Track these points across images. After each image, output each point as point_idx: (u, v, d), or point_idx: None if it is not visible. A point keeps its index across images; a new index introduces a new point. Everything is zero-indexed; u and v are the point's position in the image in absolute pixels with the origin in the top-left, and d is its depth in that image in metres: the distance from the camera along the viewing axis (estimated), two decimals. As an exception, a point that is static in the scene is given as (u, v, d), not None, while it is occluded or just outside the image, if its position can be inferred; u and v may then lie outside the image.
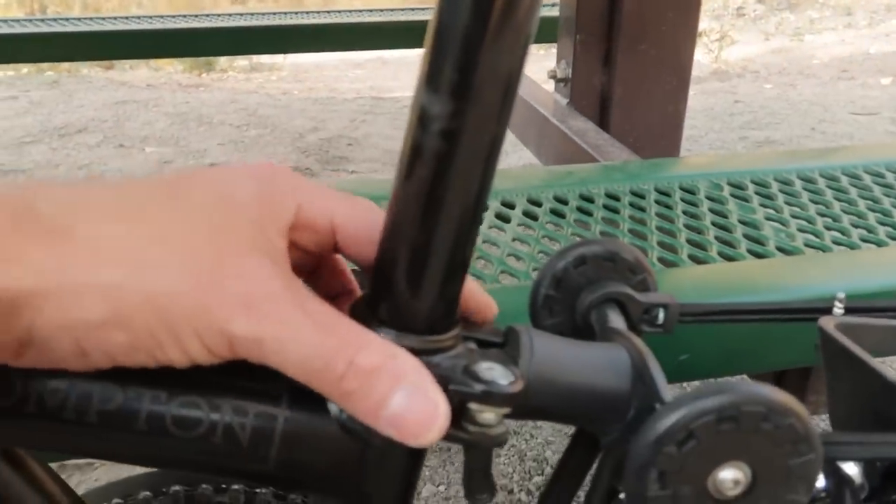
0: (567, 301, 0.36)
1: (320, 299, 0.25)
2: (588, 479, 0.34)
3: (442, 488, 1.07)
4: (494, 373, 0.26)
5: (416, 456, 0.29)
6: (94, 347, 0.23)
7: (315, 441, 0.28)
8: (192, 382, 0.27)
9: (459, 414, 0.26)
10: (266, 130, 2.66)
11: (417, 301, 0.27)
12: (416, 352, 0.27)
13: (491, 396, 0.25)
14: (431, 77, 0.24)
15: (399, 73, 3.72)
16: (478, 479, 0.29)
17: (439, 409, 0.24)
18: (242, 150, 2.46)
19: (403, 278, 0.27)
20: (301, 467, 0.28)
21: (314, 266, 0.31)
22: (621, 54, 1.12)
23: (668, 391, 0.28)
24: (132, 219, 0.23)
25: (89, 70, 3.54)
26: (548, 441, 1.14)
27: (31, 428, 0.26)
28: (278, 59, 3.97)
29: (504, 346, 0.30)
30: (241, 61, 3.98)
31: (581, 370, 0.29)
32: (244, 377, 0.28)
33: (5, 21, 1.80)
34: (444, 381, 0.26)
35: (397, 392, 0.24)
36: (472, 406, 0.26)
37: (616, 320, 0.34)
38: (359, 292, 0.32)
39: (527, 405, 0.28)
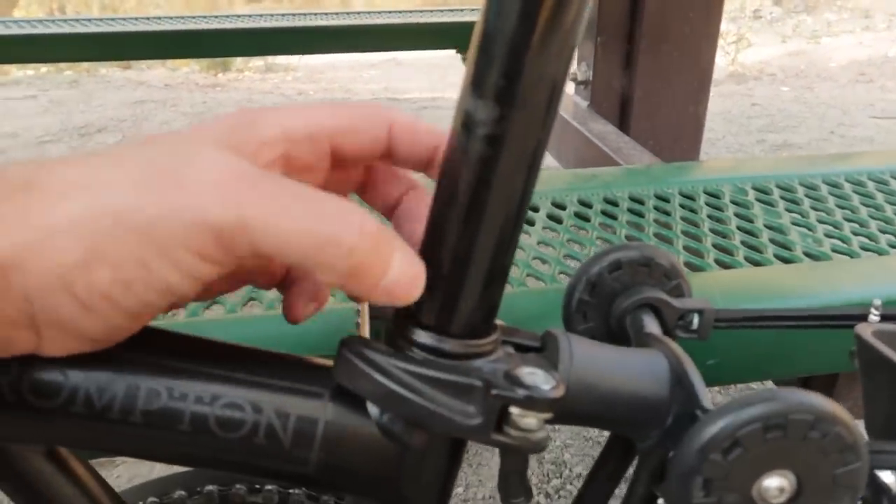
0: (601, 306, 0.36)
1: (299, 181, 0.24)
2: (622, 483, 0.34)
3: (461, 490, 1.07)
4: (536, 378, 0.26)
5: (454, 458, 0.29)
6: (87, 294, 0.21)
7: (355, 443, 0.28)
8: (235, 383, 0.27)
9: (501, 418, 0.26)
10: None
11: (458, 305, 0.27)
12: (457, 356, 0.27)
13: (534, 401, 0.25)
14: (477, 82, 0.25)
15: (414, 74, 3.73)
16: (514, 483, 0.29)
17: (422, 269, 0.25)
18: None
19: (444, 282, 0.27)
20: (340, 469, 0.28)
21: (355, 181, 0.30)
22: (642, 56, 1.12)
23: (708, 398, 0.28)
24: (94, 159, 0.23)
25: (108, 70, 3.56)
26: (566, 444, 1.14)
27: (78, 428, 0.26)
28: (293, 59, 3.98)
29: (542, 350, 0.30)
30: (257, 62, 4.00)
31: (620, 375, 0.29)
32: (286, 378, 0.28)
33: (26, 21, 1.82)
34: (486, 385, 0.26)
35: (395, 256, 0.24)
36: (514, 411, 0.26)
37: (651, 326, 0.34)
38: (419, 186, 0.31)
39: (566, 410, 0.28)
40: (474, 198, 0.26)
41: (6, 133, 2.61)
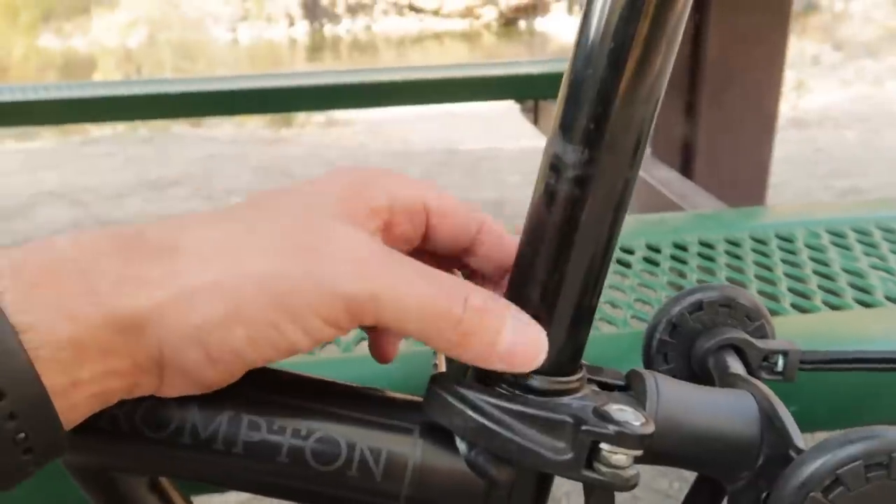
0: (682, 347, 0.36)
1: (414, 259, 0.26)
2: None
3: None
4: (626, 414, 0.26)
5: (541, 495, 0.30)
6: (218, 349, 0.23)
7: (443, 478, 0.28)
8: (331, 417, 0.28)
9: (591, 455, 0.26)
10: (344, 182, 2.73)
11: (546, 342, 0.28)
12: (545, 392, 0.28)
13: (624, 438, 0.25)
14: (566, 126, 0.26)
15: (469, 126, 3.79)
16: (600, 523, 0.29)
17: (542, 335, 0.26)
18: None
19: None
20: (430, 503, 0.28)
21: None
22: (705, 104, 1.12)
23: (801, 438, 0.27)
24: (227, 223, 0.25)
25: (180, 128, 3.74)
26: (636, 496, 1.11)
27: (184, 458, 0.28)
28: (352, 114, 4.11)
29: (627, 389, 0.30)
30: (318, 117, 4.14)
31: (708, 415, 0.29)
32: (378, 413, 0.29)
33: (104, 83, 1.93)
34: (576, 421, 0.26)
35: (506, 326, 0.25)
36: (604, 447, 0.26)
37: (735, 367, 0.34)
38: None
39: (654, 449, 0.28)
40: (563, 238, 0.26)
41: (88, 187, 2.75)
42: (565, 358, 0.28)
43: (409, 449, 0.28)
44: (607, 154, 0.25)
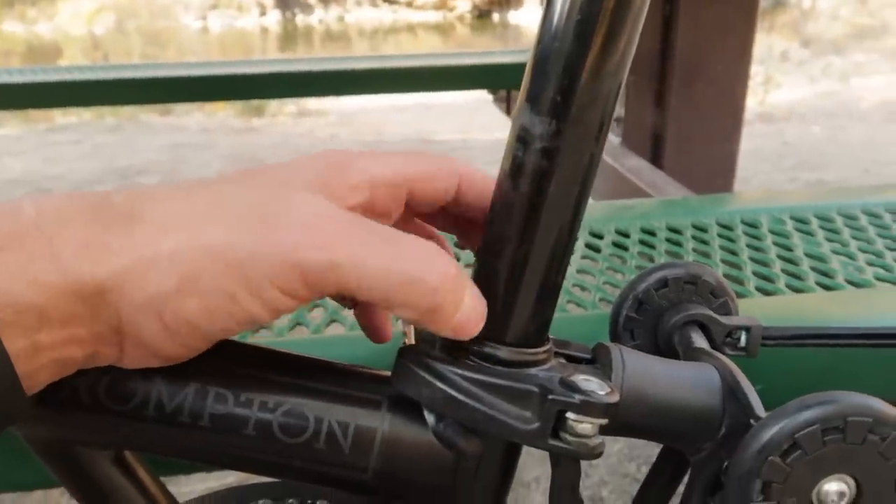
0: (648, 323, 0.37)
1: (383, 224, 0.25)
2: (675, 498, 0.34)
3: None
4: (592, 384, 0.27)
5: (508, 466, 0.30)
6: (173, 320, 0.23)
7: (412, 451, 0.28)
8: (298, 391, 0.28)
9: (558, 424, 0.26)
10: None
11: (513, 314, 0.28)
12: (512, 363, 0.28)
13: (590, 406, 0.26)
14: (533, 98, 0.26)
15: (443, 116, 3.79)
16: (566, 494, 0.29)
17: (485, 304, 0.26)
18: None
19: (500, 292, 0.28)
20: (397, 477, 0.29)
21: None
22: (674, 94, 1.13)
23: (762, 408, 0.28)
24: (195, 194, 0.24)
25: (148, 116, 3.68)
26: (604, 480, 1.12)
27: (148, 431, 0.27)
28: (325, 104, 4.08)
29: (593, 362, 0.31)
30: (290, 107, 4.10)
31: (672, 387, 0.29)
32: (346, 386, 0.29)
33: (70, 68, 1.89)
34: (543, 390, 0.26)
35: (466, 296, 0.25)
36: (570, 416, 0.26)
37: (700, 342, 0.34)
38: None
39: (619, 421, 0.29)
40: (531, 209, 0.27)
41: (54, 175, 2.70)
42: (532, 330, 0.28)
43: (378, 421, 0.28)
44: (574, 126, 0.26)
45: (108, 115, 3.62)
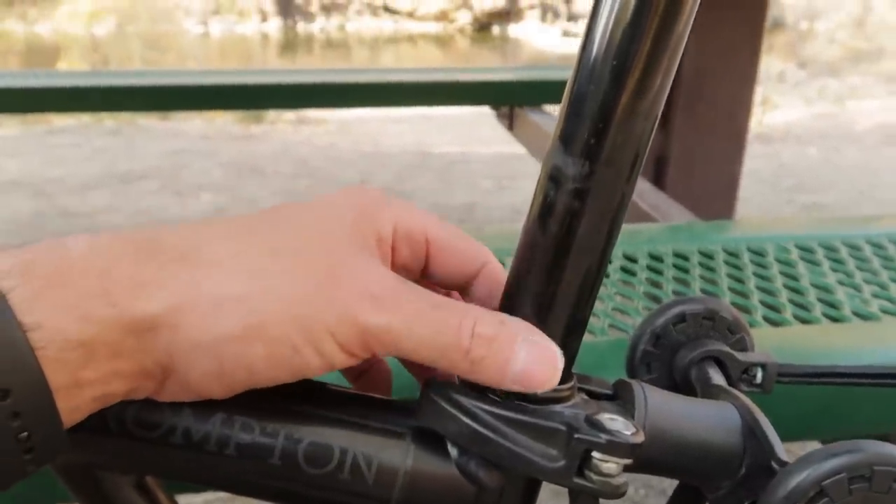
0: (665, 357, 0.37)
1: (425, 288, 0.27)
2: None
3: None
4: (617, 424, 0.27)
5: (529, 500, 0.30)
6: (233, 363, 0.23)
7: (435, 484, 0.28)
8: (324, 421, 0.28)
9: (582, 463, 0.27)
10: (316, 181, 2.72)
11: None
12: (538, 400, 0.28)
13: (615, 447, 0.26)
14: (567, 139, 0.26)
15: (443, 129, 3.80)
16: (585, 529, 0.29)
17: (557, 353, 0.27)
18: (295, 199, 2.52)
19: None
20: None
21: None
22: (679, 116, 1.14)
23: (783, 450, 0.28)
24: (247, 238, 0.25)
25: (147, 121, 3.68)
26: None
27: (175, 458, 0.27)
28: (324, 113, 4.08)
29: (614, 398, 0.31)
30: (289, 115, 4.10)
31: (693, 425, 0.30)
32: (371, 417, 0.29)
33: (69, 73, 1.88)
34: (569, 429, 0.27)
35: (518, 350, 0.26)
36: (596, 456, 0.26)
37: (717, 378, 0.35)
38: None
39: (641, 458, 0.29)
40: (560, 248, 0.27)
41: (53, 178, 2.69)
42: (558, 367, 0.28)
43: (401, 453, 0.28)
44: (607, 168, 0.26)
45: (107, 119, 3.61)
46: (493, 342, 0.26)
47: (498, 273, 0.31)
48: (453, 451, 0.28)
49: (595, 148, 0.26)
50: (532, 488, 0.30)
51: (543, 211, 0.27)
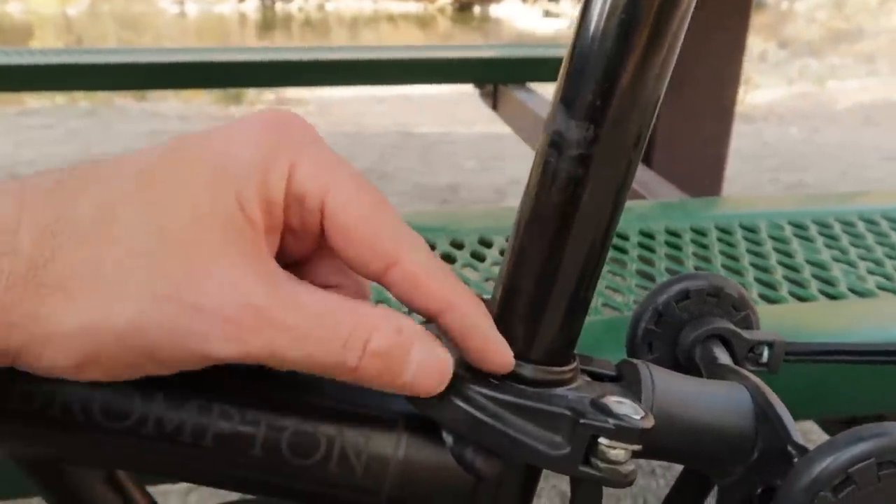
0: (668, 336, 0.35)
1: (309, 286, 0.23)
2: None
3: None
4: (625, 407, 0.25)
5: (528, 489, 0.28)
6: (74, 377, 0.23)
7: (429, 474, 0.27)
8: (309, 408, 0.26)
9: (588, 450, 0.25)
10: (295, 163, 2.68)
11: (540, 331, 0.26)
12: (539, 383, 0.26)
13: (624, 432, 0.24)
14: (569, 101, 0.24)
15: (424, 109, 3.76)
16: (588, 518, 0.28)
17: (448, 361, 0.24)
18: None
19: (527, 307, 0.26)
20: (413, 499, 0.27)
21: (307, 254, 0.26)
22: (666, 94, 1.12)
23: (799, 435, 0.26)
24: (106, 238, 0.22)
25: (123, 101, 3.60)
26: None
27: (147, 450, 0.25)
28: (304, 93, 4.03)
29: (618, 380, 0.29)
30: (269, 96, 4.04)
31: (703, 408, 0.28)
32: (360, 404, 0.27)
33: (42, 51, 1.83)
34: (574, 413, 0.25)
35: (410, 362, 0.23)
36: (603, 442, 0.25)
37: (723, 357, 0.33)
38: (362, 289, 0.28)
39: (649, 443, 0.27)
40: (562, 220, 0.25)
41: (26, 161, 2.62)
42: (560, 347, 0.27)
43: (393, 442, 0.26)
44: (613, 132, 0.24)
45: (82, 100, 3.53)
46: (386, 358, 0.23)
47: (412, 277, 0.24)
48: (448, 439, 0.27)
49: (601, 110, 0.23)
50: (532, 476, 0.28)
51: (544, 181, 0.25)
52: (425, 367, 0.24)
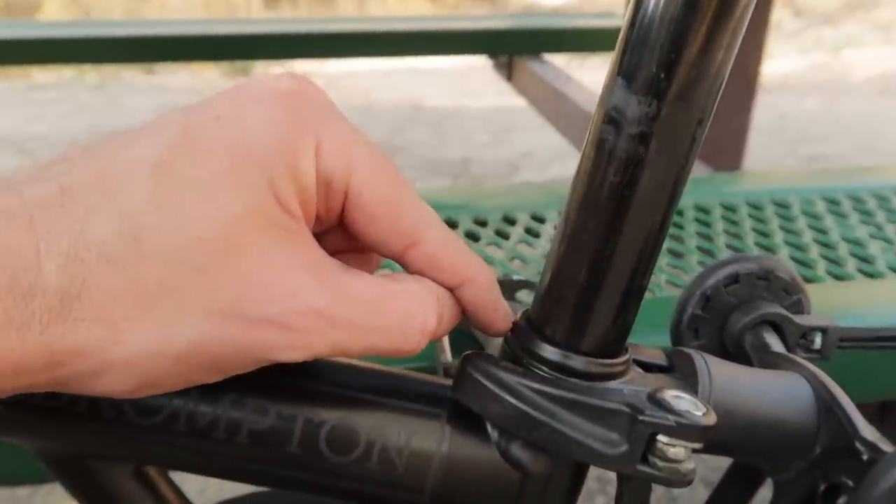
0: (715, 322, 0.33)
1: (354, 272, 0.23)
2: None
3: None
4: (684, 403, 0.24)
5: (575, 486, 0.27)
6: (131, 396, 0.22)
7: (474, 471, 0.25)
8: (349, 402, 0.25)
9: (647, 448, 0.23)
10: (306, 137, 2.66)
11: (593, 321, 0.25)
12: (591, 376, 0.25)
13: (686, 429, 0.23)
14: (629, 75, 0.22)
15: (433, 82, 3.71)
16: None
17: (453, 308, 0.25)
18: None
19: (579, 295, 0.24)
20: (456, 500, 0.26)
21: (320, 231, 0.25)
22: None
23: (868, 430, 0.25)
24: (137, 257, 0.19)
25: (131, 75, 3.57)
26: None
27: (177, 447, 0.24)
28: (312, 66, 3.98)
29: (670, 370, 0.28)
30: (276, 68, 4.00)
31: (762, 401, 0.26)
32: (402, 398, 0.25)
33: (50, 24, 1.81)
34: (633, 410, 0.23)
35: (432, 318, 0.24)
36: (662, 439, 0.23)
37: (776, 345, 0.31)
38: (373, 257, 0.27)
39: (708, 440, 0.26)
40: (619, 202, 0.23)
41: (35, 135, 2.61)
42: (613, 338, 0.25)
43: (436, 438, 0.25)
44: (678, 108, 0.22)
45: (91, 74, 3.50)
46: (438, 334, 0.24)
47: (432, 256, 0.24)
48: (493, 434, 0.25)
49: (664, 84, 0.22)
50: (580, 473, 0.27)
51: (599, 160, 0.23)
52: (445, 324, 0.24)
